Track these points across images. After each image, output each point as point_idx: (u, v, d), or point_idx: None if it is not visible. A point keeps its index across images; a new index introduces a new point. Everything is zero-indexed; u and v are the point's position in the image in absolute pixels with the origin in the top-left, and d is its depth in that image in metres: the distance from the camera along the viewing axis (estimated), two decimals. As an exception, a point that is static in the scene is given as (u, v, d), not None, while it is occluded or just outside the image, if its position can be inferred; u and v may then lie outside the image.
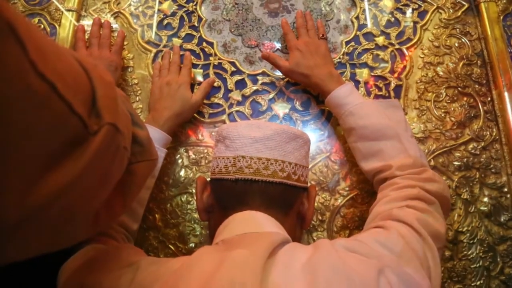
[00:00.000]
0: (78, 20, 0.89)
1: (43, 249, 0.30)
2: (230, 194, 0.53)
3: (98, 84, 0.30)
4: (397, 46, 0.84)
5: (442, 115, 0.78)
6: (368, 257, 0.42)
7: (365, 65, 0.83)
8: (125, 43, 0.87)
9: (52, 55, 0.25)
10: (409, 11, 0.87)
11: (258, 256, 0.39)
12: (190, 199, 0.76)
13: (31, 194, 0.24)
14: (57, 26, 0.88)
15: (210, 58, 0.85)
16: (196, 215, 0.75)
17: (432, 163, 0.75)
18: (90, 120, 0.28)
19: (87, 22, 0.89)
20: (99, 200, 0.34)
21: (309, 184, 0.60)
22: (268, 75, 0.83)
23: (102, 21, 0.85)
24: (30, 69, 0.22)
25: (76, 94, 0.26)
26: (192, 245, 0.74)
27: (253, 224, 0.48)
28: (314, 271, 0.38)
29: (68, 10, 0.89)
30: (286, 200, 0.53)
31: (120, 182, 0.37)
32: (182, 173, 0.78)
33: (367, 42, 0.84)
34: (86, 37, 0.83)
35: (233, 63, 0.84)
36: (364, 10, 0.87)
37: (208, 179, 0.59)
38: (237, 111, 0.81)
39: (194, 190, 0.76)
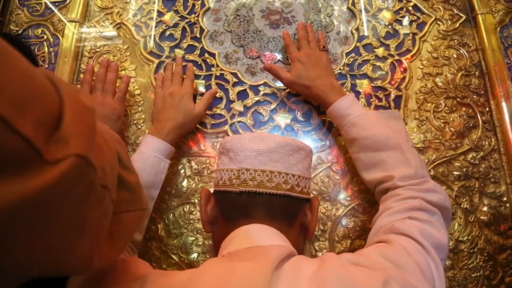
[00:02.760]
0: (80, 31, 0.90)
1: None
2: (234, 206, 0.53)
3: (71, 107, 0.26)
4: (396, 57, 0.85)
5: (442, 125, 0.80)
6: (372, 269, 0.43)
7: (365, 76, 0.84)
8: (128, 53, 0.88)
9: None
10: (408, 23, 0.88)
11: (265, 269, 0.40)
12: (193, 209, 0.76)
13: None
14: (60, 37, 0.89)
15: (212, 69, 0.86)
16: (198, 225, 0.75)
17: (432, 173, 0.76)
18: (47, 146, 0.24)
19: (87, 30, 0.90)
20: (78, 249, 0.29)
21: (311, 195, 0.60)
22: (270, 86, 0.84)
23: (112, 58, 0.85)
24: None
25: (24, 111, 0.22)
26: (195, 255, 0.74)
27: (259, 237, 0.48)
28: (321, 283, 0.39)
29: (71, 21, 0.90)
30: (290, 211, 0.54)
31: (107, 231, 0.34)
32: (185, 183, 0.78)
33: (367, 53, 0.86)
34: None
35: (235, 74, 0.85)
36: (364, 22, 0.89)
37: (211, 190, 0.60)
38: (239, 122, 0.82)
39: (196, 200, 0.76)
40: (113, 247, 0.36)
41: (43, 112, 0.24)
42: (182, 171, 0.79)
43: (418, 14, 0.89)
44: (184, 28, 0.89)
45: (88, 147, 0.27)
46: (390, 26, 0.88)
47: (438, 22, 0.88)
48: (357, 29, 0.88)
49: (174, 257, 0.74)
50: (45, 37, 0.89)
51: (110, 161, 0.33)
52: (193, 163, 0.79)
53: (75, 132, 0.26)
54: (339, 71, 0.84)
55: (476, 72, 0.84)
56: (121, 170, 0.36)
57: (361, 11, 0.90)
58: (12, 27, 0.91)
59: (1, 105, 0.20)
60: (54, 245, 0.27)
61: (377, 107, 0.81)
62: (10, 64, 0.22)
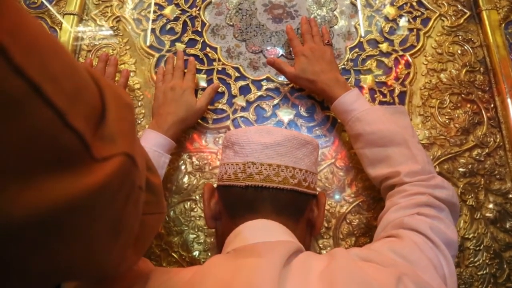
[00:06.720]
0: (79, 24, 0.88)
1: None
2: (239, 201, 0.52)
3: (112, 103, 0.25)
4: (400, 53, 0.84)
5: (446, 121, 0.79)
6: (384, 265, 0.42)
7: (369, 71, 0.83)
8: (127, 47, 0.87)
9: (47, 53, 0.20)
10: (412, 18, 0.87)
11: (273, 264, 0.38)
12: (194, 206, 0.75)
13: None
14: (58, 30, 0.87)
15: (214, 63, 0.84)
16: (199, 223, 0.73)
17: (437, 169, 0.75)
18: (96, 142, 0.22)
19: (88, 29, 0.88)
20: (113, 252, 0.28)
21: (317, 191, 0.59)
22: (273, 81, 0.83)
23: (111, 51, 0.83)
24: (2, 60, 0.17)
25: (74, 104, 0.21)
26: (196, 253, 0.72)
27: (265, 232, 0.47)
28: (332, 279, 0.38)
29: (69, 14, 0.87)
30: (297, 207, 0.53)
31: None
32: (186, 179, 0.76)
33: (371, 49, 0.85)
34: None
35: (237, 69, 0.83)
36: (367, 17, 0.88)
37: (215, 185, 0.58)
38: (241, 117, 0.80)
39: (198, 197, 0.75)
40: (136, 250, 0.34)
41: (89, 105, 0.23)
42: (183, 167, 0.77)
43: (422, 10, 0.88)
44: (185, 22, 0.88)
45: (133, 146, 0.26)
46: (394, 22, 0.87)
47: (442, 18, 0.87)
48: (360, 24, 0.87)
49: (174, 255, 0.72)
50: (43, 30, 0.87)
51: (142, 161, 0.32)
52: (194, 159, 0.78)
53: (120, 130, 0.25)
54: (343, 66, 0.83)
55: (481, 68, 0.83)
56: (147, 172, 0.35)
57: (364, 6, 0.89)
58: (8, 20, 0.89)
59: (56, 95, 0.19)
60: (94, 247, 0.25)
61: (381, 103, 0.80)
62: (61, 54, 0.21)
